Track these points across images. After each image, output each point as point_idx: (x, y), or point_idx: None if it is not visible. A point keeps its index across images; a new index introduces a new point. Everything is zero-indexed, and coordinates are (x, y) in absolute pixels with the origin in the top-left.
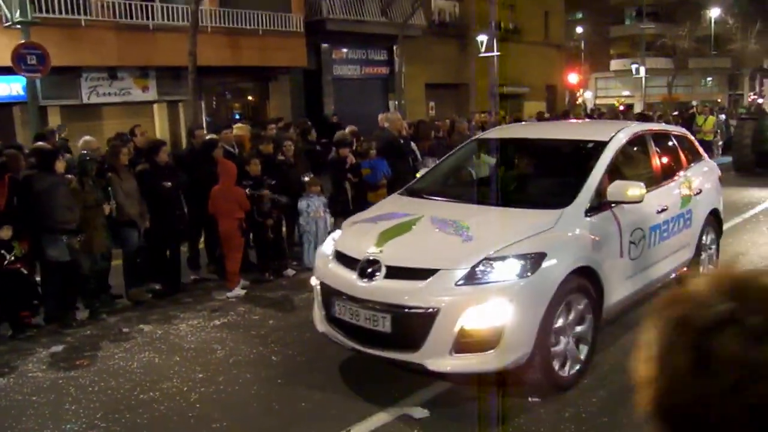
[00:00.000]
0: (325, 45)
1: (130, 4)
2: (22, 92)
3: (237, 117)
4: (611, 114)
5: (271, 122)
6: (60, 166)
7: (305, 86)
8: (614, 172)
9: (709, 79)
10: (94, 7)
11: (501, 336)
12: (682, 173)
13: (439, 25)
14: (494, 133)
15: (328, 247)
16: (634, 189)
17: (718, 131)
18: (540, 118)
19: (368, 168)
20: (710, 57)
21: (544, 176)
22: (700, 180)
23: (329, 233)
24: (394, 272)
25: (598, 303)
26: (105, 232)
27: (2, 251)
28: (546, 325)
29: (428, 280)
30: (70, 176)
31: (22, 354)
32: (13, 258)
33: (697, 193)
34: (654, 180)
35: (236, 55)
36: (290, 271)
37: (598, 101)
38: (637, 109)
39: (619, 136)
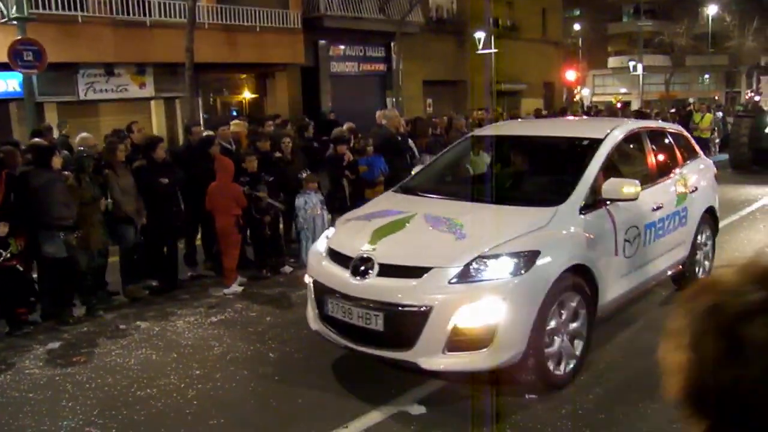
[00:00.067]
0: (322, 42)
1: (126, 0)
2: (18, 89)
3: (234, 114)
4: (609, 111)
5: (268, 119)
6: (57, 162)
7: (303, 83)
8: (609, 169)
9: (706, 76)
10: (91, 3)
11: (494, 334)
12: (677, 171)
13: (436, 22)
14: (489, 130)
15: (321, 244)
16: (629, 186)
17: (715, 129)
18: (537, 115)
19: (365, 165)
20: (707, 54)
21: (538, 173)
22: (696, 178)
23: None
24: (387, 270)
25: (593, 301)
26: (102, 228)
27: None
28: (540, 323)
29: (421, 278)
30: (66, 173)
31: (19, 351)
32: (9, 255)
33: (693, 191)
34: (649, 177)
35: (233, 51)
36: (287, 268)
37: (595, 98)
38: (635, 106)
39: (614, 133)
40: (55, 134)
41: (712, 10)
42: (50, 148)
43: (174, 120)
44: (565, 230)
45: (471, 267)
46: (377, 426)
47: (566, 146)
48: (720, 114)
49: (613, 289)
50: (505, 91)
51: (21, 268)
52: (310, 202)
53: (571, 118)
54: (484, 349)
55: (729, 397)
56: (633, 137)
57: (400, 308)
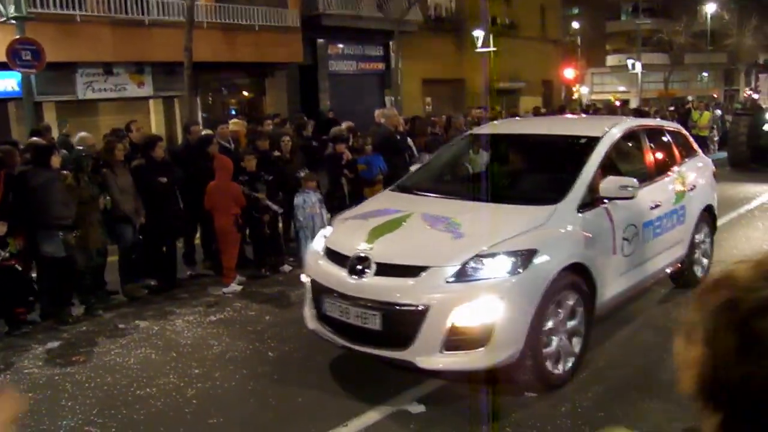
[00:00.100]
0: (321, 40)
1: (125, 0)
2: (17, 88)
3: (233, 113)
4: (608, 109)
5: (267, 118)
6: (55, 161)
7: (301, 82)
8: (607, 167)
9: (705, 74)
10: (90, 2)
11: (491, 333)
12: (675, 169)
13: (435, 21)
14: (487, 129)
15: (318, 243)
16: (627, 185)
17: (714, 127)
18: (536, 113)
19: (364, 164)
20: (706, 52)
21: (536, 172)
22: (694, 176)
23: None
24: (384, 269)
25: (591, 299)
26: (100, 228)
27: None
28: (537, 322)
29: (419, 277)
30: (65, 172)
31: (18, 351)
32: (8, 254)
33: (691, 189)
34: (647, 176)
35: (232, 50)
36: (286, 267)
37: (594, 97)
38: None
39: (612, 131)
40: (56, 134)
41: (710, 8)
42: (49, 147)
43: (173, 119)
44: (562, 229)
45: (468, 266)
46: (376, 424)
47: (564, 144)
48: (719, 112)
49: (611, 287)
50: (504, 90)
51: (20, 268)
52: (309, 201)
53: (569, 116)
54: (482, 348)
55: (741, 392)
56: (631, 135)
57: (397, 307)
